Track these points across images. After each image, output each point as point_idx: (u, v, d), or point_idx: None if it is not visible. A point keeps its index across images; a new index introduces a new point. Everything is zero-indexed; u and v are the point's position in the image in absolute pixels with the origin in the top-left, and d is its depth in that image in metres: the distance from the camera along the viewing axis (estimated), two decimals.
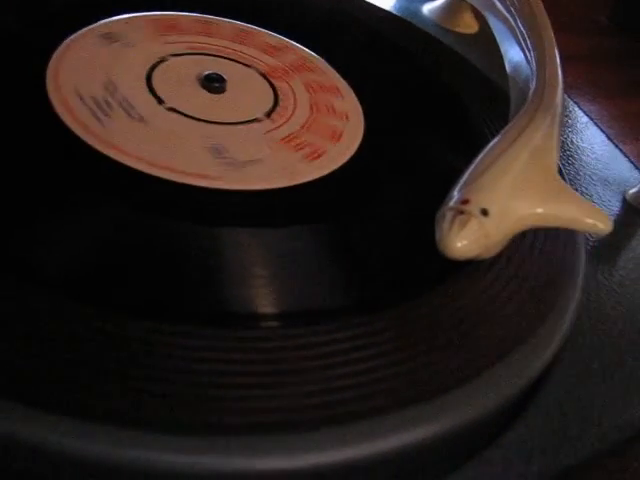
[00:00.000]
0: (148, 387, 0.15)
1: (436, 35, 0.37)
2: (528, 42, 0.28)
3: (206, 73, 0.23)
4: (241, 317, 0.17)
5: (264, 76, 0.24)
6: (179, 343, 0.15)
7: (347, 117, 0.24)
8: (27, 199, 0.18)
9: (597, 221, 0.19)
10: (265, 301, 0.17)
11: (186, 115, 0.21)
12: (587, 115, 0.36)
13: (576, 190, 0.29)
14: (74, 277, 0.16)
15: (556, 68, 0.24)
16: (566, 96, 0.37)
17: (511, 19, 0.31)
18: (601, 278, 0.25)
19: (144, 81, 0.22)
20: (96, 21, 0.24)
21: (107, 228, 0.18)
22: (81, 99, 0.21)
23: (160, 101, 0.22)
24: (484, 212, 0.18)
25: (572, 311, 0.21)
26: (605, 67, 0.47)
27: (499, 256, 0.19)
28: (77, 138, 0.19)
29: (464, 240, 0.18)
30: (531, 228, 0.19)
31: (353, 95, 0.25)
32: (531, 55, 0.27)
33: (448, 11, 0.38)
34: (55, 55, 0.22)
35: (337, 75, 0.26)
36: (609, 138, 0.35)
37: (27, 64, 0.22)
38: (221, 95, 0.23)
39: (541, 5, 0.29)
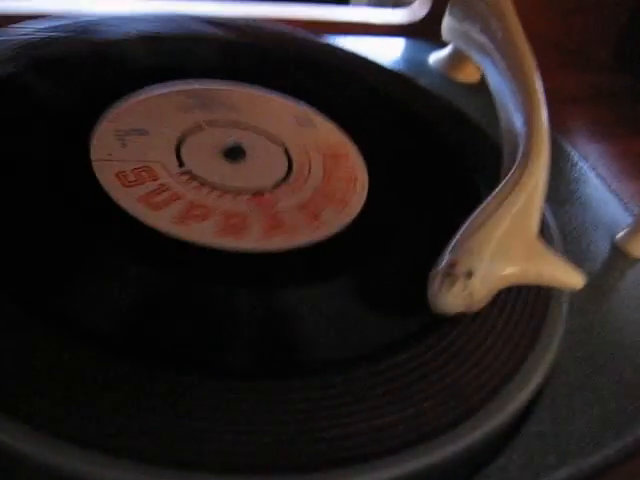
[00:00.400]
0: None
1: (441, 85, 0.40)
2: (518, 100, 0.31)
3: (228, 145, 0.26)
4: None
5: (281, 144, 0.28)
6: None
7: (355, 180, 0.27)
8: (73, 260, 0.21)
9: (570, 279, 0.22)
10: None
11: (209, 184, 0.25)
12: (582, 158, 0.38)
13: (567, 235, 0.32)
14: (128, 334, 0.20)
15: (544, 131, 0.27)
16: (562, 140, 0.39)
17: (503, 74, 0.33)
18: (584, 320, 0.27)
19: (174, 151, 0.25)
20: (136, 91, 0.28)
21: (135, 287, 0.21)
22: (121, 165, 0.24)
23: (187, 171, 0.25)
24: (469, 274, 0.21)
25: (553, 352, 0.23)
26: (607, 106, 0.50)
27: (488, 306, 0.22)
28: (112, 201, 0.23)
29: (451, 299, 0.20)
30: (512, 285, 0.22)
31: (360, 157, 0.28)
32: (521, 115, 0.29)
33: (451, 61, 0.41)
34: (100, 124, 0.26)
35: (345, 139, 0.29)
36: (603, 180, 0.37)
37: (74, 132, 0.26)
38: (241, 164, 0.26)
39: (533, 63, 0.32)
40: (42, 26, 0.30)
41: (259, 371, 0.20)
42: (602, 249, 0.32)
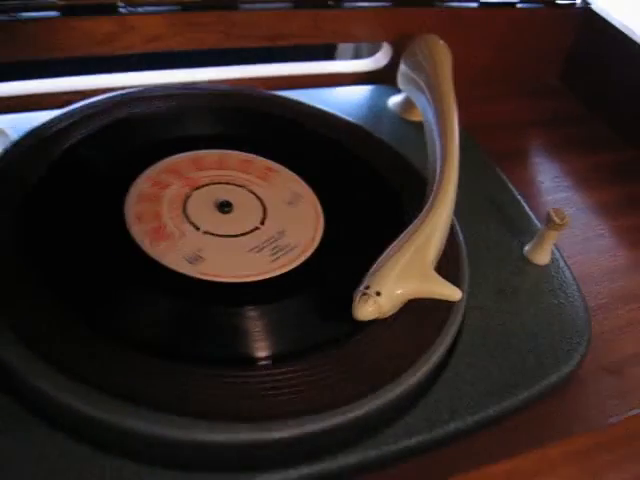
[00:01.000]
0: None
1: (394, 124, 0.50)
2: (438, 145, 0.41)
3: (219, 200, 0.37)
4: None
5: (255, 194, 0.38)
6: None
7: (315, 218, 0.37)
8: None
9: (450, 294, 0.32)
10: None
11: (212, 233, 0.35)
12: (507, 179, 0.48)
13: (485, 243, 0.41)
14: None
15: (452, 180, 0.37)
16: (494, 165, 0.49)
17: (431, 120, 0.43)
18: (488, 314, 0.37)
19: (181, 208, 0.36)
20: (159, 161, 0.38)
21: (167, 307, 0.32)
22: (142, 220, 0.35)
23: (193, 224, 0.35)
24: (378, 293, 0.31)
25: (451, 334, 0.34)
26: (551, 127, 0.59)
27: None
28: (140, 248, 0.33)
29: (365, 311, 0.31)
30: (410, 299, 0.32)
31: (316, 199, 0.39)
32: (439, 160, 0.39)
33: (404, 104, 0.51)
34: (132, 187, 0.36)
35: (304, 184, 0.40)
36: (523, 198, 0.47)
37: (109, 193, 0.36)
38: (231, 214, 0.36)
39: (454, 112, 0.42)
40: (87, 103, 0.41)
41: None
42: (515, 257, 0.41)
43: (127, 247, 0.34)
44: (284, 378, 0.30)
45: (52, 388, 0.28)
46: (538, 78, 0.62)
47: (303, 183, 0.40)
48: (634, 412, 0.34)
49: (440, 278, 0.32)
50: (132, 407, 0.27)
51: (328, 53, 0.61)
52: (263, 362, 0.31)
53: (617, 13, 0.58)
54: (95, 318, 0.30)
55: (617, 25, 0.57)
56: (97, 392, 0.27)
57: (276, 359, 0.31)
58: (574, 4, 0.59)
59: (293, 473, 0.29)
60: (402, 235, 0.34)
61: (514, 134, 0.56)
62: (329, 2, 0.49)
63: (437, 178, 0.38)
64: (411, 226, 0.35)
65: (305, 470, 0.29)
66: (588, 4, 0.59)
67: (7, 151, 0.38)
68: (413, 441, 0.31)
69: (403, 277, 0.32)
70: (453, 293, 0.32)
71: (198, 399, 0.28)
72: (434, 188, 0.37)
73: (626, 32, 0.56)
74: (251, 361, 0.31)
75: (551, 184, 0.52)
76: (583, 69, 0.61)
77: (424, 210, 0.36)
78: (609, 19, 0.58)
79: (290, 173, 0.41)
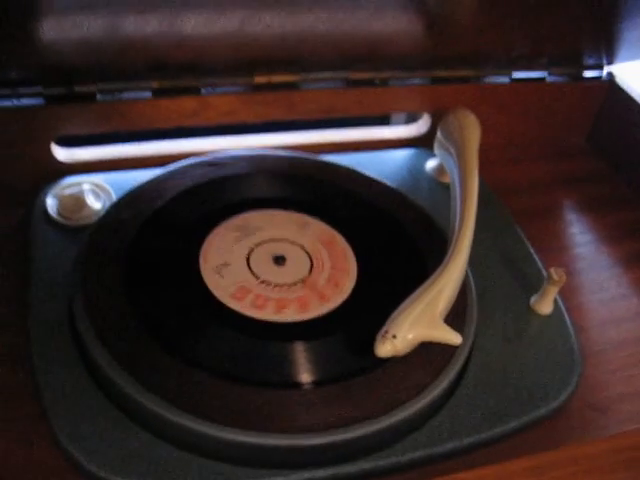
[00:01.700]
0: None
1: (431, 185, 0.58)
2: (459, 211, 0.49)
3: (275, 255, 0.46)
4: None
5: (305, 250, 0.47)
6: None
7: (348, 272, 0.46)
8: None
9: (453, 339, 0.40)
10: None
11: (267, 282, 0.45)
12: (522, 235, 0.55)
13: (494, 291, 0.49)
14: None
15: (464, 249, 0.45)
16: (512, 220, 0.56)
17: (457, 184, 0.52)
18: (490, 358, 0.45)
19: (245, 261, 0.46)
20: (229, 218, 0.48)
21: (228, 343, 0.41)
22: (217, 270, 0.44)
23: (254, 274, 0.45)
24: (394, 336, 0.39)
25: (455, 371, 0.42)
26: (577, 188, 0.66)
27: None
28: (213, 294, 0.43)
29: (383, 350, 0.39)
30: (421, 341, 0.41)
31: (353, 255, 0.48)
32: (457, 225, 0.48)
33: (438, 168, 0.59)
34: (206, 240, 0.46)
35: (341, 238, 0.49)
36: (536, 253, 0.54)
37: (188, 244, 0.46)
38: (284, 267, 0.46)
39: (475, 178, 0.50)
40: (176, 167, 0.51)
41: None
42: (522, 307, 0.49)
43: (203, 293, 0.43)
44: (321, 398, 0.39)
45: (151, 405, 0.37)
46: (565, 142, 0.69)
47: (343, 240, 0.49)
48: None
49: (445, 326, 0.41)
50: (206, 420, 0.37)
51: (384, 117, 0.70)
52: (307, 385, 0.40)
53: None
54: (182, 352, 0.40)
55: (636, 97, 0.64)
56: (184, 410, 0.37)
57: (316, 383, 0.40)
58: (600, 77, 0.66)
59: (321, 473, 0.38)
60: (419, 289, 0.42)
61: (539, 193, 0.64)
62: (376, 82, 0.58)
63: (453, 239, 0.46)
64: (426, 282, 0.43)
65: (330, 471, 0.38)
66: (613, 77, 0.66)
67: (110, 209, 0.48)
68: (417, 454, 0.39)
69: (415, 325, 0.40)
70: (454, 339, 0.40)
71: (256, 413, 0.38)
72: (449, 249, 0.45)
73: None
74: (297, 385, 0.40)
75: (568, 240, 0.60)
76: (608, 133, 0.69)
77: (438, 269, 0.44)
78: (630, 91, 0.65)
79: (330, 229, 0.50)
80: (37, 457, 0.38)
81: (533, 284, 0.51)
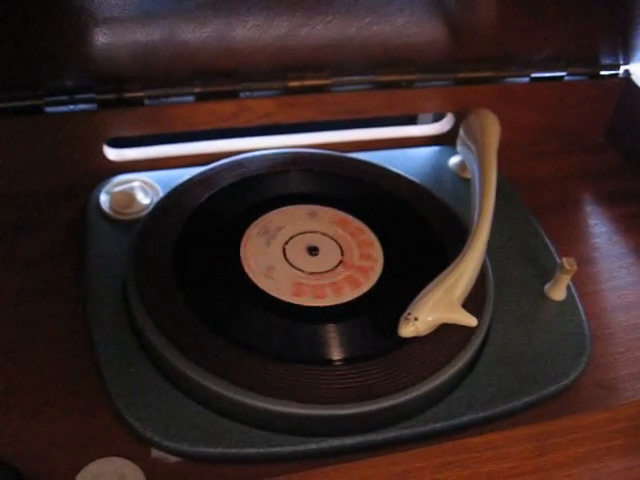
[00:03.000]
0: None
1: (453, 180, 0.62)
2: (478, 204, 0.53)
3: (309, 245, 0.50)
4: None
5: (337, 242, 0.52)
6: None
7: (375, 260, 0.51)
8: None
9: (469, 321, 0.44)
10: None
11: (303, 270, 0.49)
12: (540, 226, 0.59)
13: (511, 278, 0.53)
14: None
15: (484, 235, 0.49)
16: (530, 213, 0.60)
17: (476, 180, 0.56)
18: (506, 339, 0.49)
19: (282, 252, 0.50)
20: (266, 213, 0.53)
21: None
22: (256, 263, 0.49)
23: (290, 264, 0.49)
24: (416, 319, 0.44)
25: (472, 351, 0.46)
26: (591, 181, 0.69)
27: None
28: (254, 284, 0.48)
29: (406, 331, 0.44)
30: (440, 323, 0.45)
31: (379, 245, 0.52)
32: (476, 214, 0.52)
33: (460, 164, 0.63)
34: (245, 233, 0.51)
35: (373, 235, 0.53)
36: (552, 245, 0.58)
37: (229, 242, 0.51)
38: (318, 257, 0.50)
39: (493, 184, 0.54)
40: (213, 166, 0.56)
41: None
42: (536, 293, 0.53)
43: (246, 281, 0.48)
44: (351, 374, 0.44)
45: (201, 379, 0.42)
46: (583, 138, 0.73)
47: (370, 230, 0.53)
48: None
49: (463, 310, 0.45)
50: (253, 393, 0.42)
51: (411, 117, 0.74)
52: (339, 363, 0.44)
53: None
54: (225, 332, 0.45)
55: None
56: (230, 383, 0.42)
57: (347, 361, 0.44)
58: (617, 74, 0.70)
59: (350, 440, 0.42)
60: (439, 276, 0.47)
61: (558, 187, 0.67)
62: (402, 84, 0.62)
63: (472, 230, 0.50)
64: (446, 270, 0.47)
65: (358, 439, 0.42)
66: (629, 75, 0.70)
67: (157, 205, 0.53)
68: (437, 425, 0.44)
69: (435, 308, 0.44)
70: (470, 321, 0.44)
71: (294, 386, 0.42)
72: (468, 239, 0.50)
73: None
74: (329, 362, 0.44)
75: (584, 232, 0.63)
76: (624, 129, 0.72)
77: (457, 257, 0.48)
78: None
79: (357, 221, 0.54)
80: (98, 425, 0.43)
81: (548, 272, 0.54)
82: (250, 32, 0.48)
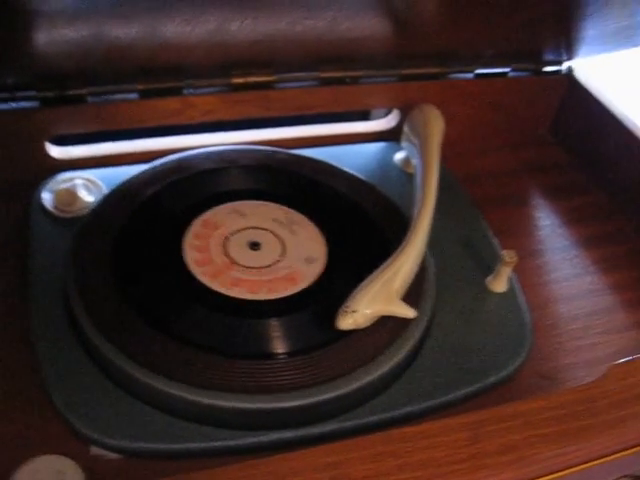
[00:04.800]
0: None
1: (398, 175, 0.63)
2: (419, 198, 0.54)
3: (251, 241, 0.51)
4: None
5: (279, 237, 0.52)
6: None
7: (318, 255, 0.51)
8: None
9: (407, 313, 0.45)
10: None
11: (243, 265, 0.49)
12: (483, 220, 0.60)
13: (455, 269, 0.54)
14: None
15: (421, 233, 0.50)
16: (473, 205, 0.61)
17: (419, 172, 0.56)
18: (446, 331, 0.50)
19: (223, 247, 0.50)
20: (208, 209, 0.53)
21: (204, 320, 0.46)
22: (196, 258, 0.49)
23: (231, 258, 0.49)
24: (354, 311, 0.44)
25: (411, 344, 0.46)
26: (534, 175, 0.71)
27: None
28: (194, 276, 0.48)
29: (344, 323, 0.44)
30: (379, 316, 0.45)
31: (323, 240, 0.52)
32: (417, 209, 0.52)
33: (405, 159, 0.64)
34: (188, 228, 0.51)
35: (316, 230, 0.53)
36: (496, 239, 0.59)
37: (170, 233, 0.51)
38: (259, 251, 0.50)
39: (435, 168, 0.55)
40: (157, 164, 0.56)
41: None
42: (478, 285, 0.54)
43: (186, 275, 0.48)
44: (291, 367, 0.44)
45: (138, 374, 0.42)
46: (528, 133, 0.74)
47: (313, 226, 0.54)
48: None
49: (401, 302, 0.45)
50: (190, 387, 0.42)
51: (365, 112, 0.74)
52: (280, 356, 0.44)
53: (597, 78, 0.69)
54: (162, 327, 0.45)
55: (593, 91, 0.68)
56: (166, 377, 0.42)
57: (285, 354, 0.45)
58: (559, 71, 0.71)
59: (289, 433, 0.42)
60: (378, 269, 0.47)
61: (503, 181, 0.68)
62: (347, 80, 0.62)
63: (412, 224, 0.51)
64: (385, 262, 0.48)
65: (298, 432, 0.43)
66: (572, 72, 0.71)
67: (101, 202, 0.53)
68: (377, 417, 0.44)
69: (372, 301, 0.45)
70: (409, 313, 0.45)
71: (231, 380, 0.42)
72: (407, 233, 0.50)
73: (601, 99, 0.67)
74: (266, 355, 0.44)
75: (528, 225, 0.64)
76: (568, 125, 0.73)
77: (397, 250, 0.49)
78: (587, 85, 0.69)
79: (301, 216, 0.54)
80: (37, 423, 0.43)
81: (489, 265, 0.55)
82: (180, 27, 0.48)
